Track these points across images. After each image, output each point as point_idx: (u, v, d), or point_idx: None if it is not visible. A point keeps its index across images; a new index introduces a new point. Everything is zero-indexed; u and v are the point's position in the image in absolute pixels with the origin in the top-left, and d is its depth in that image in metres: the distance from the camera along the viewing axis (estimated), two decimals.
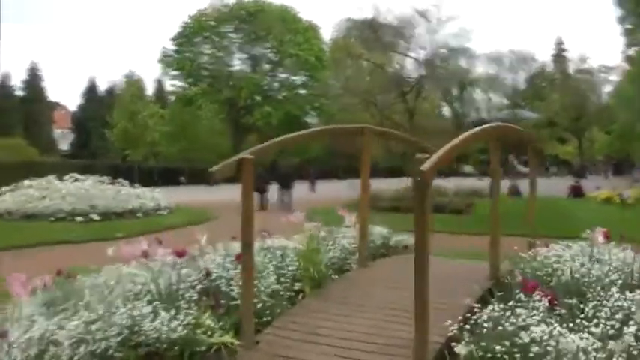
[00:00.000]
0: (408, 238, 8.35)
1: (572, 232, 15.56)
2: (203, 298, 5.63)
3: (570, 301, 5.05)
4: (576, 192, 23.34)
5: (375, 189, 28.05)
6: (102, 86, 74.29)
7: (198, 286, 5.91)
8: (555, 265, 6.17)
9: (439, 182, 35.07)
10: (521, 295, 5.09)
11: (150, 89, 73.74)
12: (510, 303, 5.00)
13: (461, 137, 5.23)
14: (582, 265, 6.02)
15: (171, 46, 69.44)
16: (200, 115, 61.21)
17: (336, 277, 7.03)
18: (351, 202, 23.09)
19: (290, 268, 6.77)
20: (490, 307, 5.00)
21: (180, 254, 6.31)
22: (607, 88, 73.62)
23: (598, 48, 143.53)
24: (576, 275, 5.73)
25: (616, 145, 64.46)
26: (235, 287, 5.85)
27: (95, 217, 20.61)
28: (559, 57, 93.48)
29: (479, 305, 5.10)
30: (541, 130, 70.48)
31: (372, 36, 41.61)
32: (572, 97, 64.02)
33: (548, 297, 4.91)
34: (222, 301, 5.70)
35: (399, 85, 36.67)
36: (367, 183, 7.38)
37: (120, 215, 21.45)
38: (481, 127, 6.32)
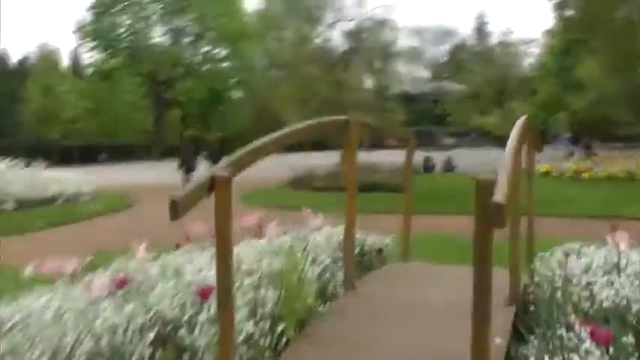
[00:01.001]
0: (379, 239, 7.22)
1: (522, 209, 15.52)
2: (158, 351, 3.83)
3: (625, 339, 3.89)
4: None
5: (308, 166, 27.59)
6: (13, 58, 70.89)
7: (150, 334, 3.90)
8: (588, 281, 4.77)
9: (366, 156, 34.44)
10: (563, 331, 4.01)
11: (66, 62, 71.16)
12: (552, 344, 3.89)
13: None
14: (612, 282, 4.69)
15: (87, 16, 66.50)
16: (119, 90, 59.15)
17: (322, 307, 5.10)
18: (288, 181, 22.62)
19: (268, 301, 4.56)
20: (527, 347, 4.07)
21: (120, 283, 4.41)
22: (528, 61, 75.21)
23: (517, 22, 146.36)
24: (618, 298, 4.43)
25: (539, 116, 65.68)
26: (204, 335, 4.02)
27: (9, 206, 18.81)
28: (480, 30, 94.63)
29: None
30: (465, 102, 71.35)
31: (297, 7, 40.64)
32: (495, 70, 64.73)
33: (604, 336, 3.79)
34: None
35: (326, 58, 35.88)
36: (354, 185, 5.72)
37: (37, 203, 19.78)
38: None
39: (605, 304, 4.37)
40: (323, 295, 5.23)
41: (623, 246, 4.94)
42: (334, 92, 36.09)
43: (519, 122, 4.91)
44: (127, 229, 13.73)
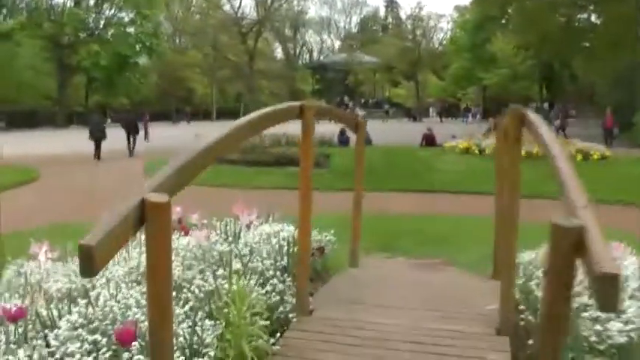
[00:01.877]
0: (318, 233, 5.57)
1: (448, 185, 14.92)
2: None
3: None
4: (428, 141, 22.54)
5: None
6: None
7: None
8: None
9: (279, 130, 33.42)
10: None
11: None
12: None
13: None
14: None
15: None
16: (19, 53, 55.68)
17: (274, 343, 3.72)
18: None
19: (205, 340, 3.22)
20: None
21: (14, 318, 3.10)
22: (439, 36, 75.87)
23: None
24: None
25: (449, 90, 66.37)
26: None
27: None
28: (391, 2, 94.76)
29: None
30: (377, 74, 71.34)
31: None
32: (407, 43, 64.78)
33: None
34: None
35: (237, 26, 34.62)
36: (308, 182, 4.43)
37: None
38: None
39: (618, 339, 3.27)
40: (272, 324, 3.84)
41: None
42: (244, 61, 34.95)
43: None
44: (32, 210, 12.32)
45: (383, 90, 74.79)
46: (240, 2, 40.75)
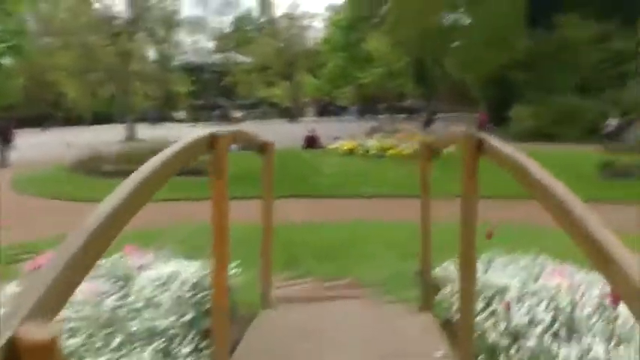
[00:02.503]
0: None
1: (337, 189, 14.52)
2: None
3: None
4: (311, 142, 22.17)
5: (93, 144, 24.78)
6: None
7: None
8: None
9: (167, 132, 32.16)
10: None
11: None
12: None
13: None
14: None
15: None
16: None
17: None
18: (70, 164, 19.55)
19: None
20: None
21: None
22: (312, 35, 75.96)
23: None
24: None
25: (325, 89, 66.67)
26: None
27: None
28: (264, 2, 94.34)
29: None
30: (252, 74, 70.63)
31: None
32: (281, 43, 64.48)
33: None
34: None
35: (107, 26, 33.07)
36: (226, 230, 3.54)
37: None
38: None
39: None
40: None
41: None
42: (118, 62, 33.47)
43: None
44: None
45: (259, 90, 74.22)
46: (111, 1, 38.85)
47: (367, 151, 17.65)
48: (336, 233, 9.36)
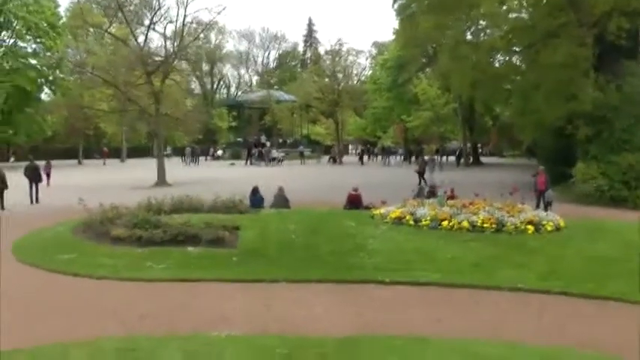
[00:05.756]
0: None
1: (383, 271, 12.07)
2: None
3: None
4: (354, 202, 19.89)
5: (100, 188, 22.66)
6: None
7: None
8: None
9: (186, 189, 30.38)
10: None
11: None
12: None
13: None
14: None
15: None
16: None
17: None
18: (75, 222, 16.93)
19: None
20: None
21: None
22: (357, 72, 74.43)
23: (347, 32, 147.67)
24: None
25: (370, 128, 65.05)
26: None
27: None
28: (310, 38, 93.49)
29: None
30: (294, 112, 69.19)
31: (115, 4, 35.90)
32: (326, 80, 62.75)
33: None
34: None
35: (144, 64, 31.51)
36: None
37: None
38: None
39: None
40: None
41: None
42: (152, 104, 31.95)
43: None
44: None
45: (301, 128, 72.57)
46: (146, 38, 37.52)
47: (418, 221, 15.28)
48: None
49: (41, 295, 10.19)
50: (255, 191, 19.67)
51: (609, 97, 24.67)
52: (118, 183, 32.56)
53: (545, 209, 18.33)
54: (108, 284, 10.74)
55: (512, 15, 31.23)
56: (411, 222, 15.42)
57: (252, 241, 13.46)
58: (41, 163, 28.31)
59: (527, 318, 8.85)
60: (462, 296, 9.98)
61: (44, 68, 57.08)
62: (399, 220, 15.83)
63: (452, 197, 18.44)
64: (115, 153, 67.97)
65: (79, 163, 60.30)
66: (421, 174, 31.53)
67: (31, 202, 23.96)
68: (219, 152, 66.89)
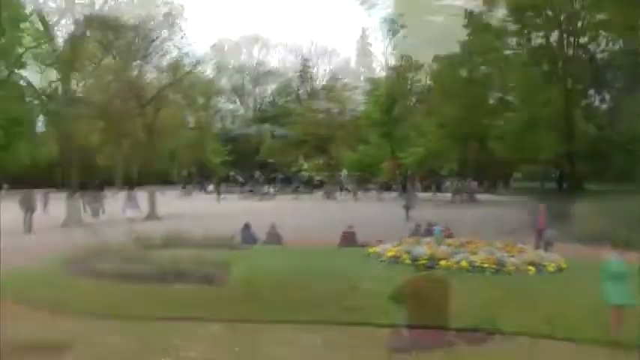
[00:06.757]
0: None
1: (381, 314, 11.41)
2: None
3: None
4: (349, 240, 19.41)
5: (101, 227, 22.50)
6: None
7: None
8: None
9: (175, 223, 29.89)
10: None
11: None
12: None
13: None
14: None
15: None
16: None
17: None
18: (59, 259, 16.02)
19: None
20: None
21: None
22: (351, 108, 74.24)
23: (340, 67, 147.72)
24: None
25: (365, 162, 64.73)
26: None
27: None
28: (304, 73, 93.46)
29: None
30: (289, 147, 68.83)
31: (109, 36, 35.63)
32: (319, 115, 62.63)
33: None
34: None
35: (138, 96, 31.18)
36: None
37: None
38: None
39: None
40: None
41: None
42: (145, 136, 31.52)
43: None
44: None
45: (295, 163, 72.14)
46: (140, 70, 37.14)
47: (415, 260, 14.73)
48: None
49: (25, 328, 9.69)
50: (246, 226, 19.27)
51: (607, 134, 24.37)
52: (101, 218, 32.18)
53: (545, 249, 17.86)
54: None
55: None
56: (408, 261, 14.93)
57: (244, 279, 12.97)
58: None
59: None
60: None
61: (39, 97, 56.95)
62: (395, 259, 15.38)
63: (449, 236, 18.04)
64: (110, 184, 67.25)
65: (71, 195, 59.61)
66: (409, 209, 30.45)
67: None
68: (210, 187, 66.42)
